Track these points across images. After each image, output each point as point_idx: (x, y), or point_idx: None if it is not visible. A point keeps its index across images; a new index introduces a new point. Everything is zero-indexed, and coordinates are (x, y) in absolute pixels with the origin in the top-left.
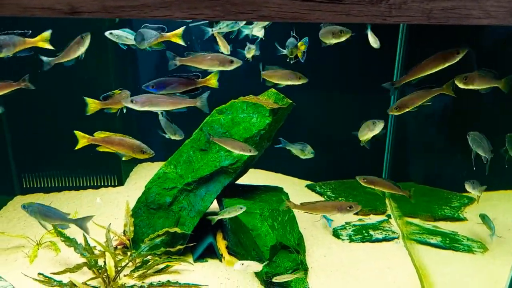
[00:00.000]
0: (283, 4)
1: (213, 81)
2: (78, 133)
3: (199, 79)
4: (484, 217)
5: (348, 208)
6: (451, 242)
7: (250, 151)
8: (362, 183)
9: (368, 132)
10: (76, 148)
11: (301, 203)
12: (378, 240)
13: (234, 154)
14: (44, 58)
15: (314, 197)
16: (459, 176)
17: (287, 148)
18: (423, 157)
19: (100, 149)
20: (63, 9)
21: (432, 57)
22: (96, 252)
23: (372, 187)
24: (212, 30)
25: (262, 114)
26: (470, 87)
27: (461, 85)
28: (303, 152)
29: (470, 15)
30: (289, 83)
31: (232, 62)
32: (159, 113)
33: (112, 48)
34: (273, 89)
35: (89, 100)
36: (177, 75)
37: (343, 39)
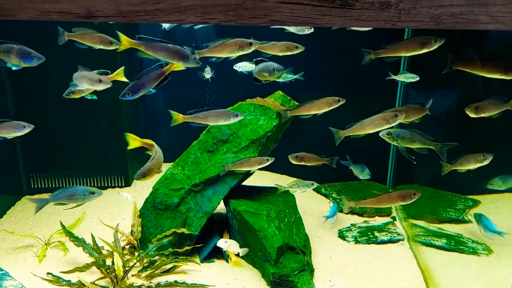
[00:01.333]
0: (294, 9)
1: (175, 65)
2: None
3: (165, 67)
4: (476, 216)
5: (412, 195)
6: (456, 244)
7: (267, 161)
8: (294, 162)
9: (387, 125)
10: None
11: (363, 199)
12: (383, 242)
13: (241, 156)
14: (61, 30)
15: (319, 199)
16: (464, 178)
17: (350, 168)
18: (427, 159)
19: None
20: (80, 13)
21: (502, 63)
22: (104, 252)
23: (303, 163)
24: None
25: (269, 116)
26: (482, 115)
27: (472, 115)
28: (362, 173)
29: (478, 20)
30: (330, 108)
31: (251, 44)
32: None
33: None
34: (280, 92)
35: None
36: (144, 72)
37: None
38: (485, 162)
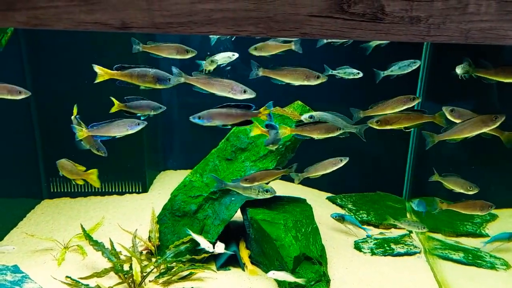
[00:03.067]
0: (325, 22)
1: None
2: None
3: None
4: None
5: (489, 208)
6: (473, 258)
7: (341, 161)
8: (245, 184)
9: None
10: None
11: (453, 203)
12: (400, 254)
13: (259, 164)
14: (135, 41)
15: (335, 210)
16: (481, 192)
17: None
18: (445, 171)
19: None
20: (114, 24)
21: None
22: (122, 257)
23: (257, 183)
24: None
25: (288, 125)
26: (388, 127)
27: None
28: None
29: (507, 36)
30: (405, 107)
31: (318, 77)
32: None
33: (140, 59)
34: (299, 101)
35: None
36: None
37: None
38: (470, 193)
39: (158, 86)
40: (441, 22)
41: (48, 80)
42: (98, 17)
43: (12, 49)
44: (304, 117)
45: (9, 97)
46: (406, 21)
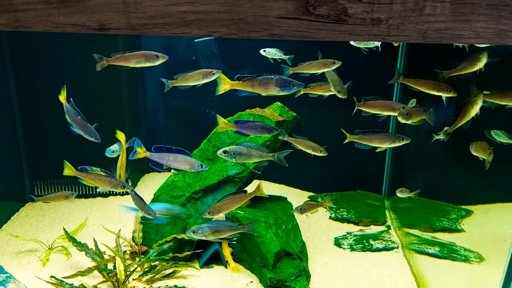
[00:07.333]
0: (292, 24)
1: None
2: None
3: None
4: None
5: None
6: (448, 252)
7: (320, 152)
8: (210, 216)
9: None
10: None
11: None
12: (378, 250)
13: (240, 164)
14: (164, 81)
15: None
16: (457, 188)
17: None
18: (422, 170)
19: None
20: (93, 26)
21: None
22: (106, 256)
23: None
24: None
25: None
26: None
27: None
28: None
29: (461, 35)
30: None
31: (450, 91)
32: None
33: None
34: (278, 103)
35: None
36: None
37: None
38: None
39: (282, 93)
40: (400, 23)
41: (31, 82)
42: (77, 19)
43: None
44: (220, 152)
45: (147, 64)
46: (367, 23)
